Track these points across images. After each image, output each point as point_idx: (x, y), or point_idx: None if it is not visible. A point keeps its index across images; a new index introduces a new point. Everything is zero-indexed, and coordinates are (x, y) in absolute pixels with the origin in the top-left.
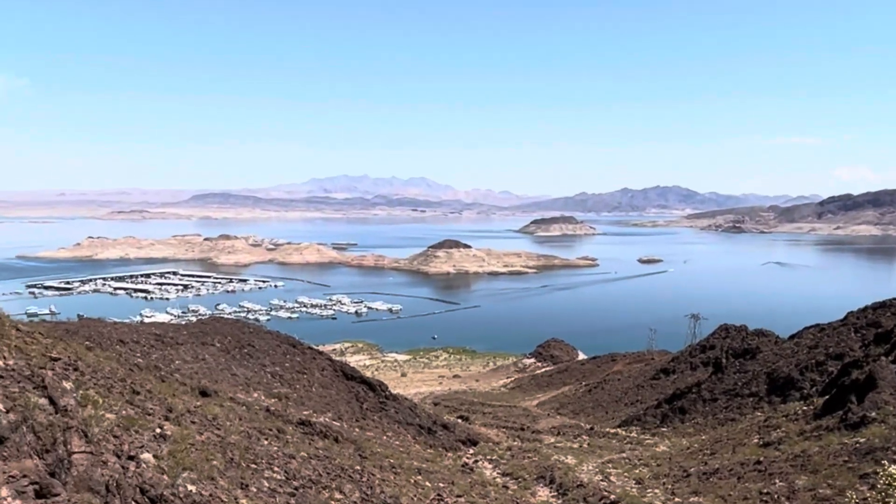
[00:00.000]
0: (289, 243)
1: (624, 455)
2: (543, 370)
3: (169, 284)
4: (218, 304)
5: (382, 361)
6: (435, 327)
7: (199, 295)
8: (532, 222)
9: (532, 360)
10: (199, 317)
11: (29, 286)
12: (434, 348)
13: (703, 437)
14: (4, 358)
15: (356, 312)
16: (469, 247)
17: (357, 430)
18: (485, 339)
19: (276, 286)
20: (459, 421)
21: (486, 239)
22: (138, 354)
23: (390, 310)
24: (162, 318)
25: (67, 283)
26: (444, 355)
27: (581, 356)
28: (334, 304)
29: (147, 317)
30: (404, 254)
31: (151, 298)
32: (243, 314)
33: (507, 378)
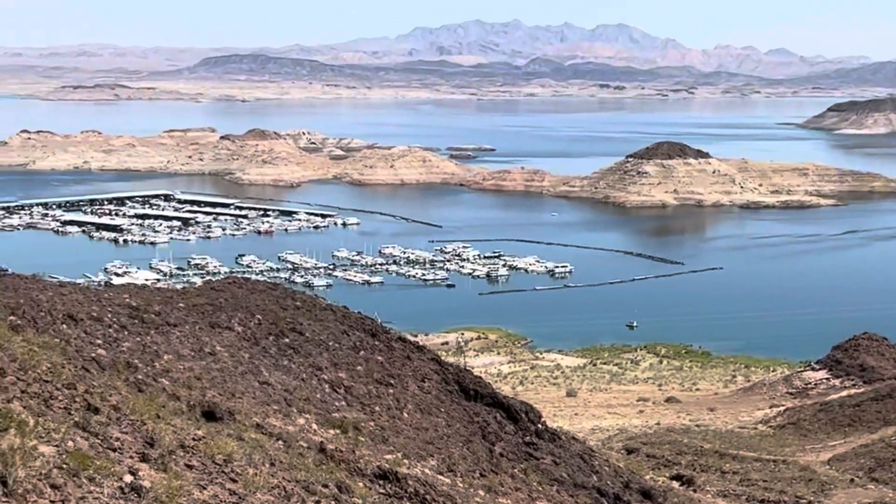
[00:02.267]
0: (371, 147)
1: None
2: (844, 394)
3: (157, 217)
4: (241, 256)
5: (533, 368)
6: (634, 307)
7: (207, 237)
8: (831, 109)
9: (821, 372)
10: (208, 277)
11: None
12: (631, 346)
13: None
14: None
15: (488, 276)
16: (707, 155)
17: (482, 492)
18: (728, 331)
19: (344, 225)
20: (675, 485)
21: (741, 141)
22: (99, 342)
23: (551, 273)
24: (143, 277)
25: None
26: (648, 359)
27: None
28: (449, 261)
29: (117, 274)
30: (582, 168)
31: (125, 242)
32: (285, 275)
33: (771, 407)
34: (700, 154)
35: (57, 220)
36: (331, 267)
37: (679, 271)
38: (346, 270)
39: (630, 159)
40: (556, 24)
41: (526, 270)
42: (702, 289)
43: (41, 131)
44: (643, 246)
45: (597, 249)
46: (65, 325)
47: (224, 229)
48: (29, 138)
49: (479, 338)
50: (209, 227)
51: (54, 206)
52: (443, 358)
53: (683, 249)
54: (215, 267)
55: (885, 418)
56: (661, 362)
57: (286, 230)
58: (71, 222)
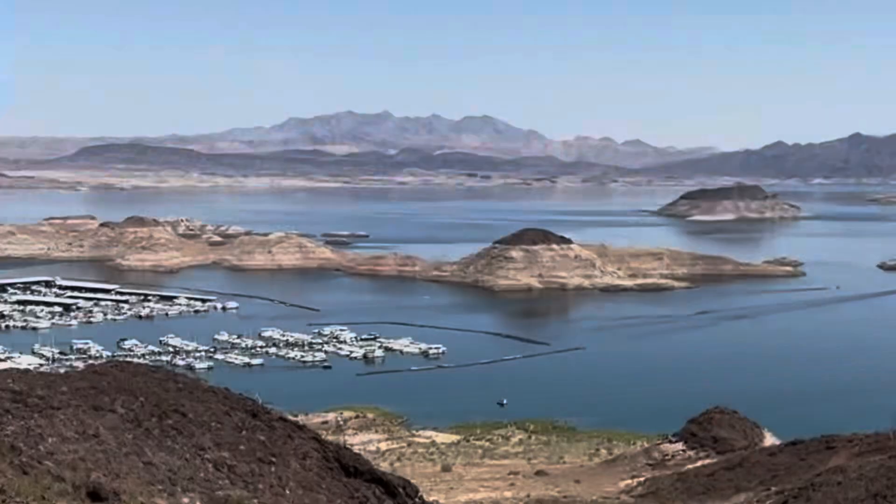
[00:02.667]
0: (248, 233)
1: None
2: (699, 464)
3: (38, 303)
4: (123, 340)
5: (409, 445)
6: (504, 385)
7: (89, 322)
8: (683, 197)
9: (678, 444)
10: (90, 361)
11: None
12: (502, 423)
13: None
14: None
15: (365, 357)
16: (569, 241)
17: None
18: (592, 407)
19: (224, 309)
20: None
21: (600, 227)
22: None
23: (425, 353)
24: (26, 362)
25: None
26: (518, 435)
27: (769, 440)
28: (326, 343)
29: None
30: (452, 253)
31: (7, 328)
32: (166, 358)
33: (633, 477)
34: (563, 240)
35: None
36: (211, 350)
37: (545, 351)
38: (226, 353)
39: (497, 245)
40: (424, 115)
41: (401, 352)
42: (566, 367)
43: None
44: (511, 327)
45: (468, 331)
46: None
47: (105, 314)
48: None
49: (357, 417)
50: (90, 312)
51: None
52: (323, 436)
53: (548, 330)
54: (97, 351)
55: (736, 486)
56: (529, 437)
57: (167, 314)
58: None
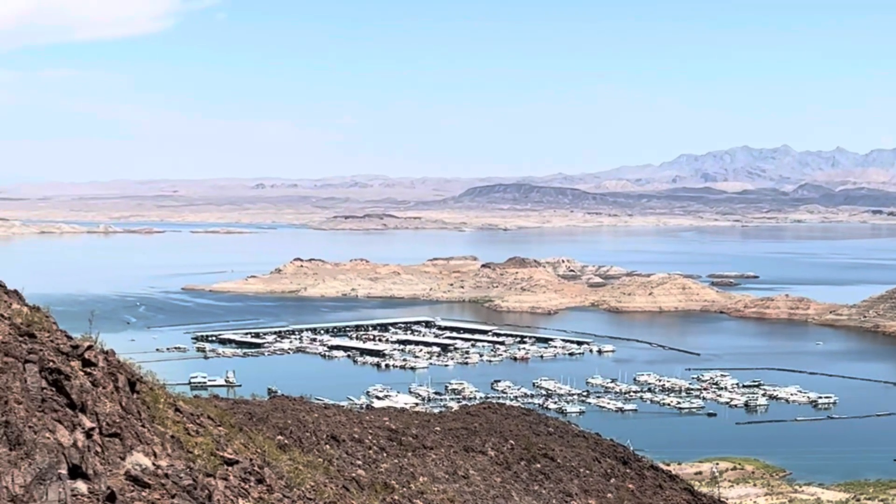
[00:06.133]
0: (630, 274)
1: None
2: None
3: (418, 343)
4: (496, 382)
5: (791, 501)
6: None
7: (465, 363)
8: None
9: None
10: (464, 402)
11: (197, 338)
12: None
13: None
14: (156, 455)
15: (746, 405)
16: None
17: None
18: None
19: (599, 352)
20: None
21: None
22: (359, 462)
23: (814, 403)
24: (402, 400)
25: (256, 335)
26: None
27: None
28: (705, 389)
29: (378, 397)
30: (848, 297)
31: (387, 366)
32: (539, 401)
33: None
34: None
35: (324, 345)
36: (584, 394)
37: None
38: (599, 397)
39: None
40: (828, 149)
41: (787, 400)
42: None
43: (313, 259)
44: None
45: (864, 380)
46: (328, 446)
47: (481, 355)
48: (301, 266)
49: (734, 468)
50: (467, 353)
51: (322, 332)
52: (696, 488)
53: None
54: (471, 392)
55: None
56: None
57: (542, 357)
58: (337, 347)
